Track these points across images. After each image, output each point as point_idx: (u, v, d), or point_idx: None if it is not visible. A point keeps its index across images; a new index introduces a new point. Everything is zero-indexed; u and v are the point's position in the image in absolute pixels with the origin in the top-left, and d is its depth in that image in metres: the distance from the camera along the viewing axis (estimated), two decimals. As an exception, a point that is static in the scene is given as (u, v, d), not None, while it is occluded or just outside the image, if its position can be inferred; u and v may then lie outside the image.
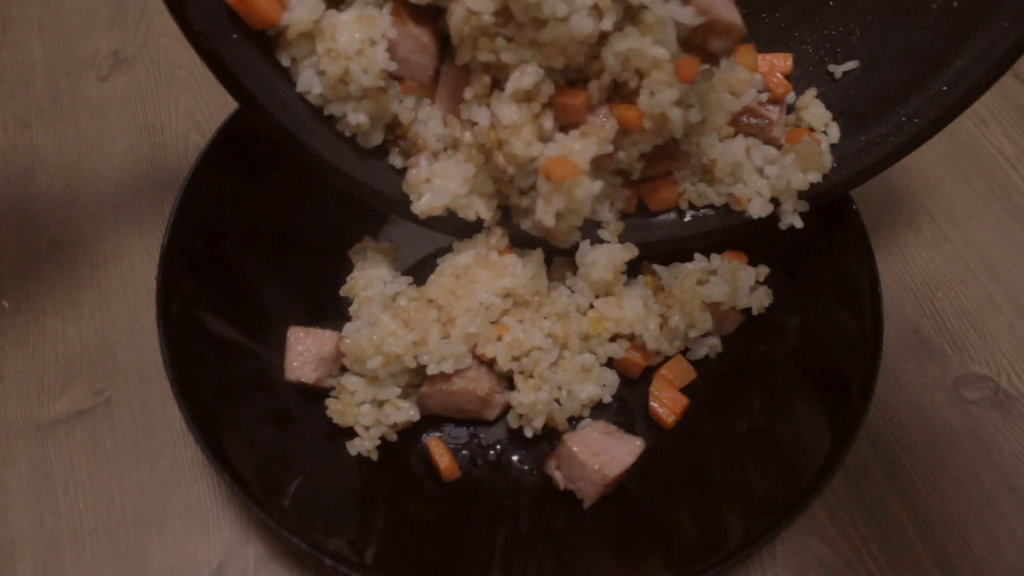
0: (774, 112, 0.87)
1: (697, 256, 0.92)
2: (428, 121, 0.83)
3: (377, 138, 0.84)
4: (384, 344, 0.82)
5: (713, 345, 0.92)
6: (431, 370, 0.83)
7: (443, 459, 0.85)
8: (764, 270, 0.91)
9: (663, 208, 0.90)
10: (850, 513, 0.87)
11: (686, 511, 0.82)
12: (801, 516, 0.74)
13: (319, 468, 0.83)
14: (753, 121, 0.86)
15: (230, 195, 0.91)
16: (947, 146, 1.15)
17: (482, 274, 0.86)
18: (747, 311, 0.91)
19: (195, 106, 1.16)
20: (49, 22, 1.24)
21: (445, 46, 0.80)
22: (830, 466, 0.75)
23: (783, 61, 0.88)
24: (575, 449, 0.82)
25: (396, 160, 0.85)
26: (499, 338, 0.85)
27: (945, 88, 0.79)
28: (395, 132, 0.84)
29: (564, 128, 0.82)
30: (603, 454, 0.82)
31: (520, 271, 0.87)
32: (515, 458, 0.89)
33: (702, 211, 0.90)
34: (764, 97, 0.87)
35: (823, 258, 0.90)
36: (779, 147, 0.88)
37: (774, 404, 0.86)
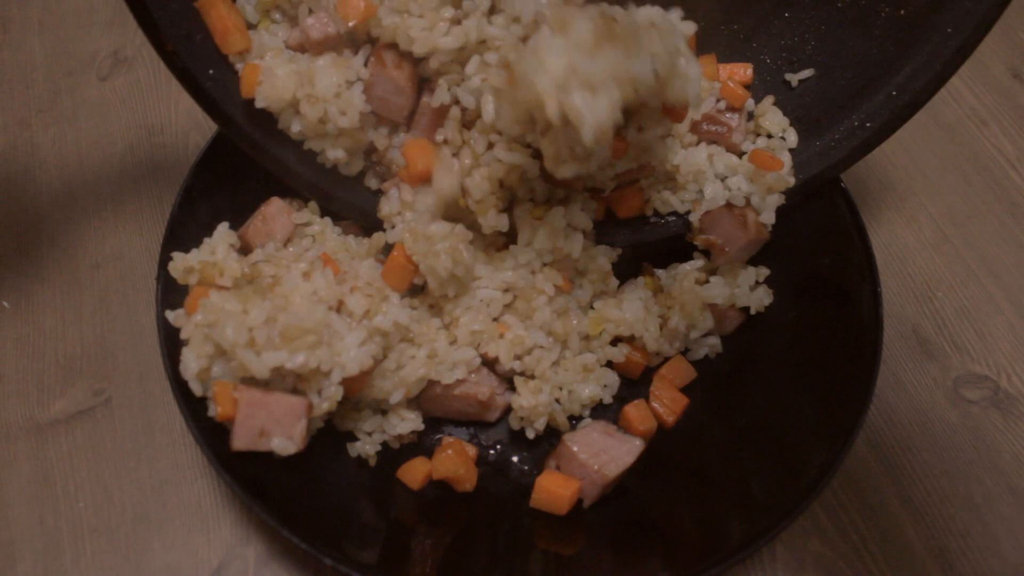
0: (733, 119, 0.90)
1: (696, 255, 0.93)
2: (403, 147, 0.85)
3: (357, 166, 0.87)
4: (404, 373, 0.82)
5: (713, 345, 0.92)
6: (445, 380, 0.83)
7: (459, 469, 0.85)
8: (764, 271, 0.91)
9: (630, 215, 0.92)
10: (850, 513, 0.87)
11: (686, 511, 0.82)
12: (801, 516, 0.74)
13: (319, 468, 0.83)
14: (713, 128, 0.90)
15: (230, 195, 0.91)
16: (947, 146, 1.15)
17: (481, 270, 0.86)
18: (747, 311, 0.91)
19: (195, 106, 1.13)
20: (49, 22, 1.24)
21: (423, 81, 0.83)
22: (830, 466, 0.75)
23: (743, 71, 0.92)
24: (575, 449, 0.81)
25: (372, 183, 0.88)
26: (501, 336, 0.85)
27: (894, 92, 0.82)
28: (371, 157, 0.87)
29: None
30: (603, 454, 0.82)
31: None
32: (515, 459, 0.89)
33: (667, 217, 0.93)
34: (723, 105, 0.91)
35: (823, 258, 0.90)
36: (739, 154, 0.92)
37: (774, 404, 0.86)
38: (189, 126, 1.14)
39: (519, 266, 0.87)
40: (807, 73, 0.90)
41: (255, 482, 0.75)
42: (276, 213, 0.88)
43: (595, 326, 0.88)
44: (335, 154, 0.83)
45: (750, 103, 0.91)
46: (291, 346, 0.74)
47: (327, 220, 0.91)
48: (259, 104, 0.78)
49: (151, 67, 1.20)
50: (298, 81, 0.78)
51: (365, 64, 0.80)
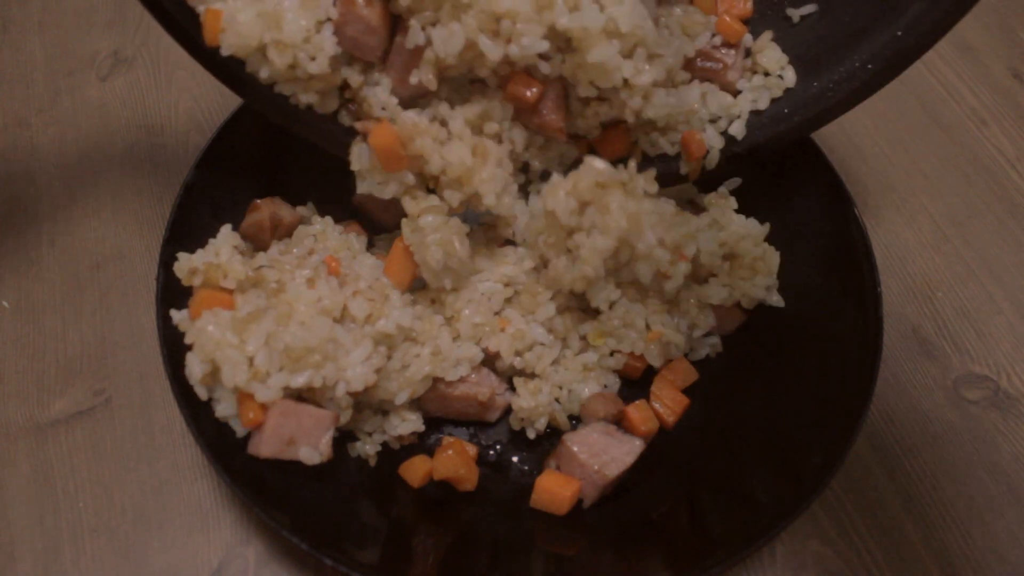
0: (729, 55, 0.86)
1: None
2: (377, 87, 0.81)
3: (332, 105, 0.83)
4: (410, 373, 0.82)
5: (713, 344, 0.92)
6: (449, 376, 0.83)
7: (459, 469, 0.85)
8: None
9: (616, 158, 0.87)
10: (850, 513, 0.87)
11: (686, 511, 0.82)
12: (801, 516, 0.74)
13: (319, 468, 0.83)
14: (708, 64, 0.86)
15: (230, 195, 0.91)
16: (947, 146, 1.15)
17: (482, 263, 0.86)
18: (747, 311, 0.91)
19: (195, 106, 1.16)
20: (49, 22, 1.24)
21: (396, 18, 0.78)
22: (830, 466, 0.75)
23: (742, 4, 0.87)
24: (575, 449, 0.81)
25: (345, 120, 0.84)
26: (502, 330, 0.85)
27: (900, 33, 0.78)
28: (344, 94, 0.83)
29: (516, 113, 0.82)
30: (603, 454, 0.82)
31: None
32: (515, 459, 0.89)
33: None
34: (718, 40, 0.87)
35: (823, 258, 0.90)
36: (735, 93, 0.88)
37: (774, 404, 0.86)
38: (189, 126, 1.14)
39: (520, 260, 0.87)
40: (809, 8, 0.86)
41: (255, 482, 0.75)
42: (282, 203, 0.89)
43: (597, 338, 0.88)
44: (307, 98, 0.80)
45: (747, 38, 0.87)
46: (295, 365, 0.75)
47: (328, 219, 0.91)
48: (224, 52, 0.75)
49: (151, 67, 1.20)
50: (264, 25, 0.73)
51: (334, 2, 0.75)
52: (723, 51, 0.87)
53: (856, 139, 1.14)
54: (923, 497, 0.88)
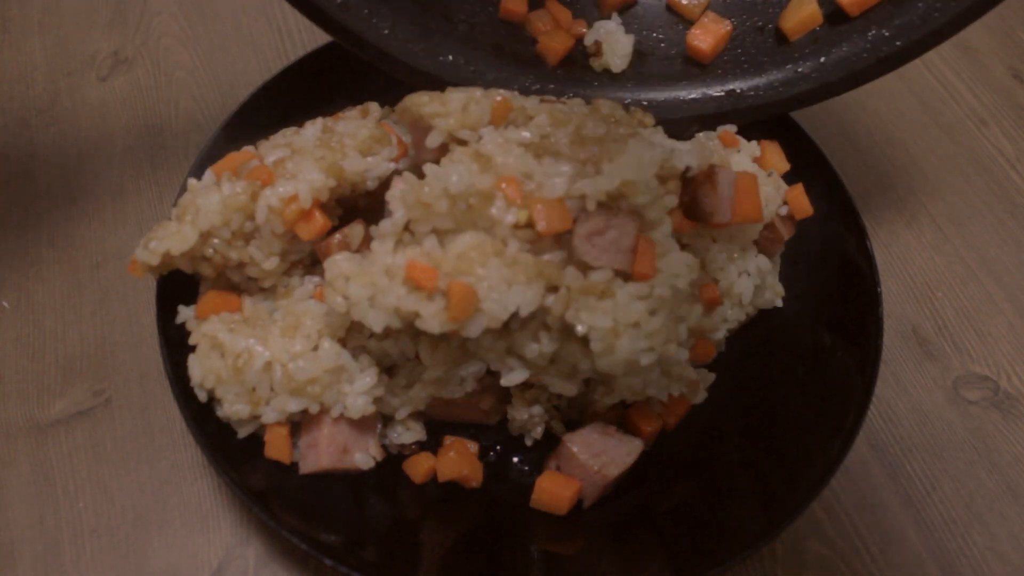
0: (789, 228, 0.85)
1: None
2: None
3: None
4: (413, 392, 0.82)
5: (714, 345, 0.92)
6: (455, 395, 0.82)
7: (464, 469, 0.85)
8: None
9: None
10: (850, 513, 0.87)
11: (686, 511, 0.82)
12: (801, 516, 0.74)
13: (319, 468, 0.83)
14: (763, 233, 0.85)
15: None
16: (947, 146, 1.15)
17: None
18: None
19: (195, 107, 1.16)
20: (49, 22, 1.24)
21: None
22: (830, 466, 0.75)
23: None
24: (575, 450, 0.81)
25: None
26: (508, 352, 0.85)
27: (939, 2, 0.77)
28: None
29: None
30: (603, 455, 0.81)
31: None
32: (515, 459, 0.89)
33: None
34: (785, 211, 0.85)
35: (823, 258, 0.90)
36: (771, 256, 0.88)
37: (774, 404, 0.86)
38: (189, 126, 1.14)
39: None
40: None
41: (255, 483, 0.75)
42: None
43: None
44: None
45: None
46: (294, 391, 0.76)
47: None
48: None
49: (151, 67, 1.20)
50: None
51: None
52: (786, 223, 0.84)
53: (856, 139, 1.15)
54: (923, 497, 0.88)
